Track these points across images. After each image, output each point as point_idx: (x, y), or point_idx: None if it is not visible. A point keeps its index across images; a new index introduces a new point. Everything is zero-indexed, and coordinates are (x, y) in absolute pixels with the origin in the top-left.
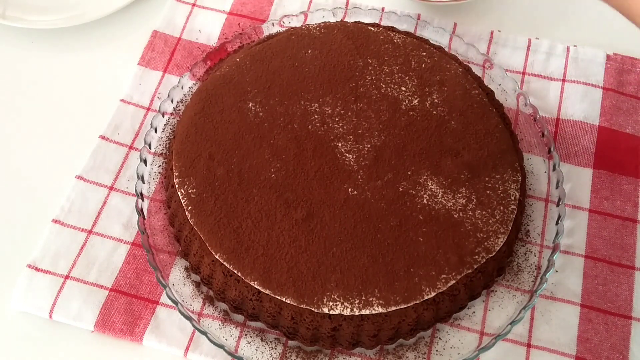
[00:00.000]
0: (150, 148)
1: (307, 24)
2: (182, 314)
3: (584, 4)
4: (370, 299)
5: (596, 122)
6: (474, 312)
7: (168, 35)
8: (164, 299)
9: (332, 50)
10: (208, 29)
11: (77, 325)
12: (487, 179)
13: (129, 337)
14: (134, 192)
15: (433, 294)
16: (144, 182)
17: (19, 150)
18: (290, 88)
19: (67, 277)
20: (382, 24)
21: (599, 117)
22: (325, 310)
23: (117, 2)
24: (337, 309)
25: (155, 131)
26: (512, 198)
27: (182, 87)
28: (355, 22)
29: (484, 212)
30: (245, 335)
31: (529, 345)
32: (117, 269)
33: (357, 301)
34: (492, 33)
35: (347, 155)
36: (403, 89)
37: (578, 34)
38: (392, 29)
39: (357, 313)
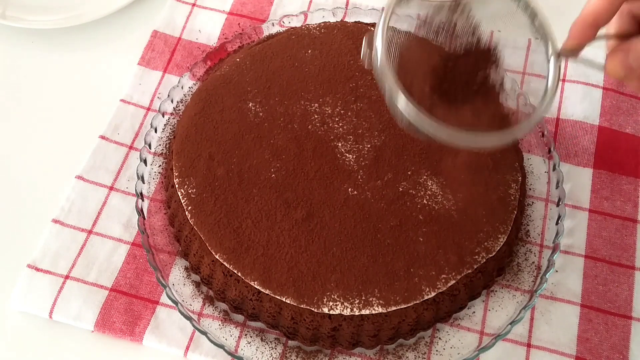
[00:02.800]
0: (150, 148)
1: (307, 24)
2: (182, 314)
3: (584, 4)
4: (370, 299)
5: (596, 122)
6: (474, 312)
7: (168, 35)
8: (164, 299)
9: (332, 50)
10: (208, 29)
11: (77, 325)
12: (487, 179)
13: (129, 337)
14: (134, 192)
15: (433, 294)
16: (144, 182)
17: (19, 150)
18: (290, 88)
19: (67, 277)
20: None
21: (599, 117)
22: (325, 310)
23: (117, 2)
24: (337, 309)
25: (155, 131)
26: (512, 198)
27: (182, 87)
28: (355, 22)
29: (483, 212)
30: (245, 335)
31: (529, 345)
32: (117, 269)
33: (357, 301)
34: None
35: (347, 155)
36: None
37: None
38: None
39: (357, 313)
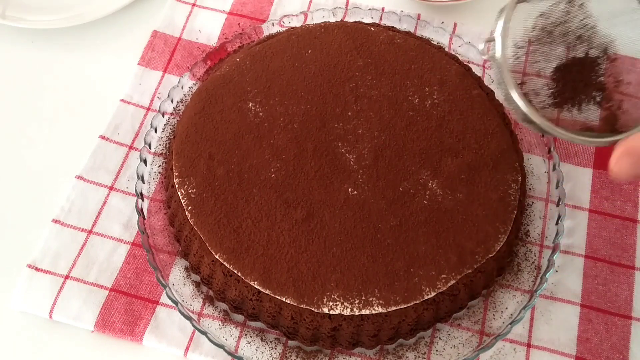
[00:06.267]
0: (150, 148)
1: (307, 24)
2: (182, 314)
3: None
4: (370, 299)
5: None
6: (474, 312)
7: (168, 35)
8: (164, 299)
9: (332, 50)
10: (208, 29)
11: (77, 325)
12: (487, 179)
13: (129, 337)
14: (134, 192)
15: (433, 294)
16: (144, 182)
17: (19, 150)
18: (290, 88)
19: (67, 277)
20: (382, 24)
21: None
22: (325, 310)
23: (117, 2)
24: (337, 309)
25: (155, 131)
26: (512, 198)
27: (182, 87)
28: (355, 22)
29: (483, 212)
30: (245, 335)
31: (529, 345)
32: (117, 269)
33: (357, 301)
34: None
35: (347, 155)
36: (403, 89)
37: None
38: (392, 28)
39: (357, 313)
